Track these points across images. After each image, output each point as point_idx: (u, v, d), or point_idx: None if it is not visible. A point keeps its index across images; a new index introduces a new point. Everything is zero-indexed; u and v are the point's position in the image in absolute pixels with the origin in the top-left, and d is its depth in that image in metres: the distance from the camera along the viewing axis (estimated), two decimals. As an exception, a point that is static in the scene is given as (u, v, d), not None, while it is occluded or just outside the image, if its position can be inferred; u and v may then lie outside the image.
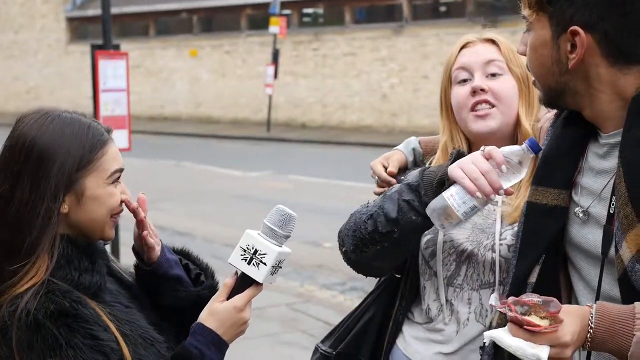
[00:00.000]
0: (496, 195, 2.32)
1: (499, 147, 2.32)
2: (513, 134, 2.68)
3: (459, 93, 2.70)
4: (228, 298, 2.23)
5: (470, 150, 2.66)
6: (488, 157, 2.27)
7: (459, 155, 2.41)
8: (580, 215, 2.20)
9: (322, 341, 2.97)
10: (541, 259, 2.26)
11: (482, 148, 2.33)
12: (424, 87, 26.45)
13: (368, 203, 2.64)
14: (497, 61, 2.68)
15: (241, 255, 2.21)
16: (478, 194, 2.23)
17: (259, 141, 27.48)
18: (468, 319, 2.63)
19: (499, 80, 2.68)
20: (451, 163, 2.38)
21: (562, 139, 2.29)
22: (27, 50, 39.89)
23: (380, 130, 28.01)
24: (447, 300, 2.67)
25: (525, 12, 2.18)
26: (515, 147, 2.28)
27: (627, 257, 2.02)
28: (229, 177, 18.52)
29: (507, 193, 2.32)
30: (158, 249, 2.43)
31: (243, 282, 2.24)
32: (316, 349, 2.96)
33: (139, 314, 2.29)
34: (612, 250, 2.09)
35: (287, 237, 2.25)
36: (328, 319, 7.85)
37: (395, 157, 2.86)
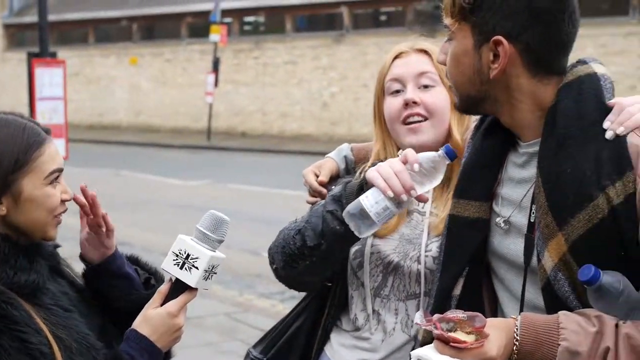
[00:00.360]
0: (424, 206, 2.39)
1: None
2: (440, 145, 2.63)
3: (392, 104, 2.71)
4: (162, 304, 2.24)
5: None
6: (404, 161, 2.26)
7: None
8: (502, 225, 2.22)
9: (254, 346, 2.97)
10: (465, 271, 2.28)
11: (399, 152, 2.39)
12: (364, 95, 26.54)
13: (296, 219, 2.67)
14: (430, 73, 2.68)
15: (173, 260, 2.21)
16: (389, 192, 2.21)
17: (199, 150, 27.35)
18: (394, 329, 2.64)
19: (431, 92, 2.67)
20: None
21: (482, 151, 2.31)
22: (-37, 57, 39.26)
23: (320, 139, 28.06)
24: (374, 311, 2.68)
25: (447, 21, 2.18)
26: (431, 153, 2.27)
27: (549, 266, 2.05)
28: (169, 186, 18.39)
29: (421, 199, 2.32)
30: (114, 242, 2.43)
31: (177, 288, 2.25)
32: (247, 354, 2.97)
33: (80, 319, 2.27)
34: (534, 260, 2.12)
35: (220, 241, 2.25)
36: (267, 328, 7.74)
37: (327, 166, 2.86)
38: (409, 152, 2.27)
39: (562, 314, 2.00)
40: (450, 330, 1.93)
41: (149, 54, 33.71)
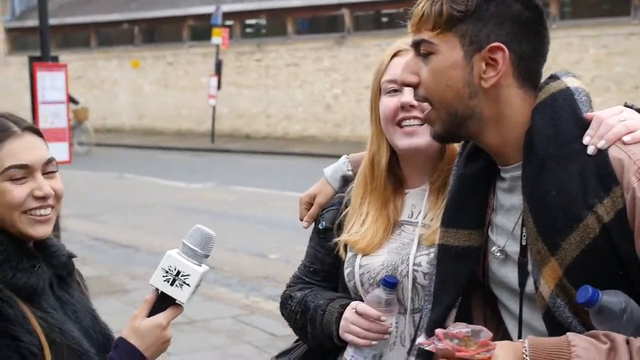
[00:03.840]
0: (417, 216, 2.58)
1: (426, 164, 2.62)
2: (440, 150, 2.62)
3: (388, 105, 2.65)
4: (149, 315, 2.25)
5: (391, 161, 2.68)
6: (361, 314, 2.53)
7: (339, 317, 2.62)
8: (497, 254, 2.18)
9: (278, 357, 2.96)
10: (457, 302, 2.23)
11: (352, 307, 2.57)
12: (367, 97, 26.09)
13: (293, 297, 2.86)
14: None
15: (163, 276, 2.21)
16: (374, 342, 2.52)
17: (203, 152, 27.36)
18: (394, 344, 2.61)
19: None
20: (336, 320, 2.61)
21: (466, 178, 2.25)
22: (-35, 62, 39.29)
23: (324, 140, 28.06)
24: None
25: (426, 35, 2.10)
26: (376, 292, 2.54)
27: (546, 293, 2.01)
28: (173, 189, 18.38)
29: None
30: None
31: (163, 300, 2.25)
32: None
33: (76, 328, 2.28)
34: (531, 286, 2.08)
35: (207, 256, 2.26)
36: (274, 330, 7.82)
37: (319, 198, 2.86)
38: (365, 309, 2.52)
39: (570, 334, 1.95)
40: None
41: (151, 57, 33.72)
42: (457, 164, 2.31)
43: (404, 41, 2.70)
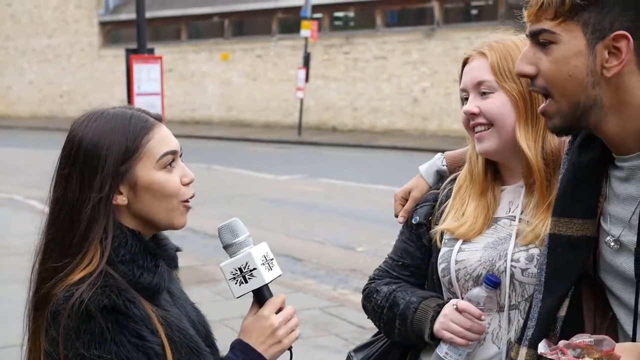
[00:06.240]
0: (514, 210, 2.58)
1: (512, 162, 2.62)
2: (514, 150, 2.60)
3: (462, 112, 2.68)
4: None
5: (488, 163, 2.68)
6: (462, 311, 2.54)
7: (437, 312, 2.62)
8: (612, 244, 2.14)
9: (355, 350, 2.97)
10: (570, 291, 2.21)
11: (453, 304, 2.57)
12: (455, 90, 25.98)
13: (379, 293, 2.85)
14: (487, 82, 2.61)
15: (236, 283, 2.24)
16: (470, 343, 2.54)
17: (290, 144, 27.51)
18: (485, 339, 2.60)
19: (490, 98, 2.61)
20: (432, 318, 2.60)
21: (579, 167, 2.22)
22: (60, 55, 40.22)
23: (411, 134, 27.96)
24: None
25: (546, 24, 2.05)
26: (476, 291, 2.55)
27: None
28: (260, 181, 18.54)
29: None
30: None
31: (258, 297, 2.28)
32: (349, 357, 2.97)
33: (189, 322, 2.30)
34: None
35: (248, 237, 2.28)
36: (361, 322, 7.83)
37: (415, 193, 2.87)
38: (467, 307, 2.53)
39: None
40: (578, 357, 1.87)
41: (240, 50, 34.03)
42: (569, 152, 2.28)
43: (474, 46, 2.71)
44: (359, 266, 10.22)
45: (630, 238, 2.09)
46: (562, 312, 2.20)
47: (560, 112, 2.09)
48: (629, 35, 1.97)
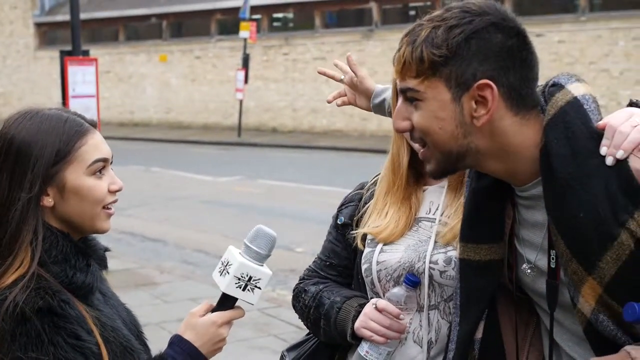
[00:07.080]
0: (434, 212, 2.60)
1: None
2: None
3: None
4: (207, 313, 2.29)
5: (411, 157, 2.69)
6: (381, 310, 2.54)
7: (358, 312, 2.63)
8: (528, 272, 2.18)
9: (288, 350, 3.00)
10: (484, 313, 2.25)
11: (372, 303, 2.57)
12: (394, 91, 26.43)
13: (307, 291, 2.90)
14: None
15: (236, 283, 2.24)
16: (389, 341, 2.55)
17: (230, 146, 27.44)
18: (406, 338, 2.64)
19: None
20: (354, 318, 2.62)
21: (479, 192, 2.23)
22: (-5, 56, 39.61)
23: (351, 135, 28.06)
24: None
25: (410, 83, 2.05)
26: (396, 290, 2.56)
27: (587, 310, 2.00)
28: (199, 183, 18.47)
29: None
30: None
31: (224, 301, 2.28)
32: (282, 357, 2.99)
33: (121, 322, 2.30)
34: (566, 300, 2.08)
35: (269, 256, 2.29)
36: (299, 323, 7.80)
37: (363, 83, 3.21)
38: (386, 305, 2.53)
39: (629, 347, 1.95)
40: None
41: (179, 51, 33.85)
42: (470, 176, 2.29)
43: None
44: (299, 267, 10.23)
45: (545, 262, 2.13)
46: (479, 335, 2.26)
47: (436, 159, 2.11)
48: (491, 84, 1.98)
